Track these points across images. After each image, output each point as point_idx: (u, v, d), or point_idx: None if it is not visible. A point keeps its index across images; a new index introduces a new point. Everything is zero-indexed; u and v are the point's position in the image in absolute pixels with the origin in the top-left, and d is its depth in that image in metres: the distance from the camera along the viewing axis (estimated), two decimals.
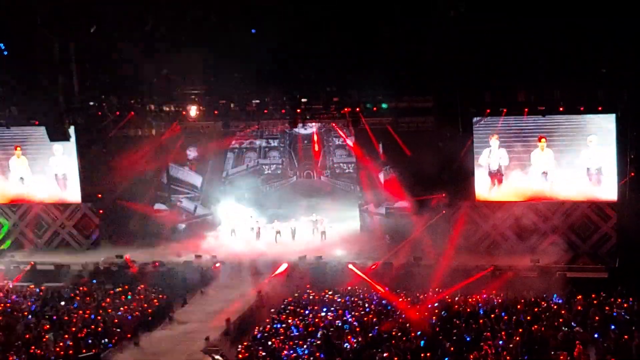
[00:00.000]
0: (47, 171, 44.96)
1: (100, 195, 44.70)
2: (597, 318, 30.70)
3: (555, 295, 33.64)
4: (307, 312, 34.20)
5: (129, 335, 33.40)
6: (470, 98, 38.57)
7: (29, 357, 30.56)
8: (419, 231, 40.40)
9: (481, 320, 31.26)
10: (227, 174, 48.81)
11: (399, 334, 30.40)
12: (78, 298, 36.91)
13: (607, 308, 31.73)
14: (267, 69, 38.46)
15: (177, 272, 40.01)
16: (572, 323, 30.39)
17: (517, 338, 29.14)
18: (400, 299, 34.70)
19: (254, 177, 49.48)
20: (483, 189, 39.80)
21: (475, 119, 39.04)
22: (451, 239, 40.01)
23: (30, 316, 35.05)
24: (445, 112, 39.36)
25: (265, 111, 42.20)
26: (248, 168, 49.70)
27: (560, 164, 38.59)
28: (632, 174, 37.53)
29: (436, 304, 33.57)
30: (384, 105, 40.64)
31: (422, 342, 29.87)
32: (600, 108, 37.15)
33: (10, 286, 39.44)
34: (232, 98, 41.89)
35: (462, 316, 32.05)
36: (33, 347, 31.01)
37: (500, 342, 29.03)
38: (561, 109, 37.54)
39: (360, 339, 30.69)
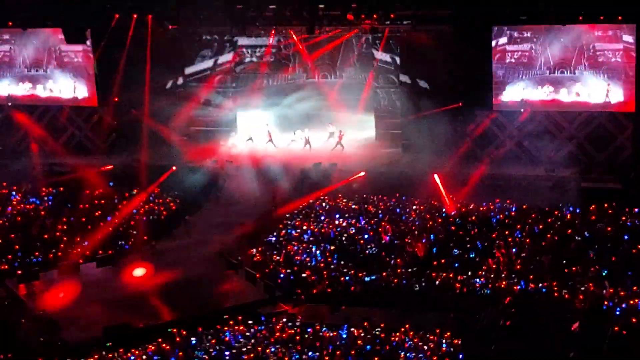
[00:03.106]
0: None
1: (117, 99, 44.49)
2: (609, 229, 31.00)
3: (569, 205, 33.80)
4: (322, 217, 34.48)
5: (145, 238, 33.84)
6: (489, 7, 38.11)
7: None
8: (436, 141, 40.21)
9: (494, 230, 31.56)
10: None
11: (411, 240, 30.74)
12: (96, 202, 37.28)
13: (623, 218, 31.94)
14: None
15: (193, 176, 40.07)
16: (586, 233, 30.66)
17: (528, 247, 29.45)
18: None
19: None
20: (500, 97, 39.56)
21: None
22: (467, 149, 40.00)
23: (46, 217, 35.56)
24: (464, 20, 38.97)
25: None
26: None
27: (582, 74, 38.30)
28: None
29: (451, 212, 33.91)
30: None
31: (434, 249, 30.29)
32: (620, 18, 36.72)
33: (29, 187, 39.82)
34: (249, 3, 41.48)
35: (475, 224, 32.32)
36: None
37: (513, 250, 29.34)
38: (580, 18, 37.15)
39: (373, 245, 31.05)
